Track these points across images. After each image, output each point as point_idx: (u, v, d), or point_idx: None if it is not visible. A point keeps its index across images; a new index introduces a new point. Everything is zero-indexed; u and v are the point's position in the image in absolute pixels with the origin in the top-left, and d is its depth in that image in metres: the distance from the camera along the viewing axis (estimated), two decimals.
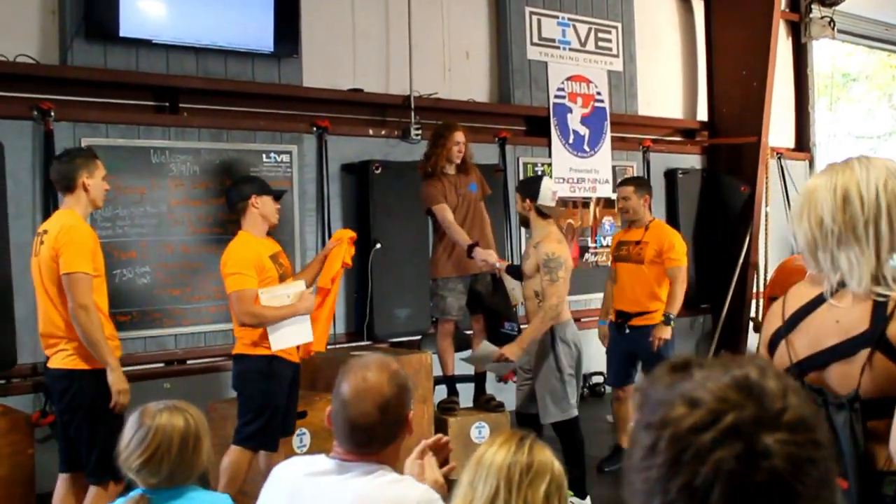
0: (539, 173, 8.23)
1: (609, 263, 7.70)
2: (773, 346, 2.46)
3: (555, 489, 2.18)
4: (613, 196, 9.92)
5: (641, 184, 7.27)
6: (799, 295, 2.47)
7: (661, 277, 6.90)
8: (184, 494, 2.86)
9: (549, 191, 6.08)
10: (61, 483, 4.98)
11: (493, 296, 7.04)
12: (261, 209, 5.53)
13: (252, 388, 5.44)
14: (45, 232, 4.84)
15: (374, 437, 2.56)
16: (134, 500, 2.78)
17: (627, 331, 6.99)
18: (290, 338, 5.54)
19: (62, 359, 4.79)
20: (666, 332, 6.80)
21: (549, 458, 2.22)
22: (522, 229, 9.10)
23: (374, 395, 2.55)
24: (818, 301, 2.38)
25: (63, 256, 4.67)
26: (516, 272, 6.53)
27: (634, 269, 6.98)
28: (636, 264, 6.95)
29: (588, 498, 6.15)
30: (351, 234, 6.07)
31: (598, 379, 9.56)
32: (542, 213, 6.07)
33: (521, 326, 6.74)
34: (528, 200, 6.07)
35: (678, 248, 6.91)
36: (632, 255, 6.99)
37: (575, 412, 6.10)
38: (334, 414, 2.61)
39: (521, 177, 9.23)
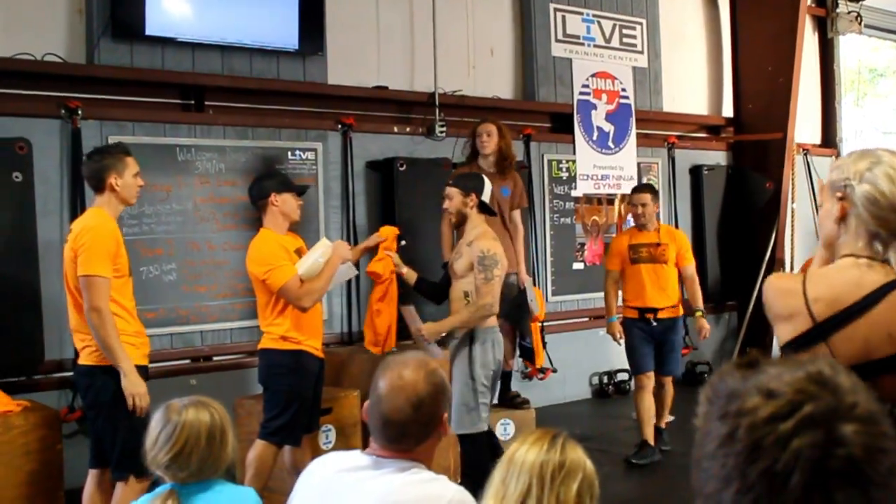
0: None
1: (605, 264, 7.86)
2: (805, 341, 2.36)
3: (587, 488, 2.17)
4: None
5: (655, 192, 7.69)
6: (839, 281, 2.38)
7: (676, 275, 7.46)
8: (211, 487, 2.89)
9: (489, 188, 5.90)
10: (91, 478, 5.00)
11: (511, 303, 7.05)
12: (280, 206, 5.51)
13: (280, 383, 5.44)
14: (71, 230, 4.88)
15: (406, 434, 2.57)
16: (163, 496, 2.80)
17: (655, 324, 7.28)
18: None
19: (87, 355, 4.81)
20: (707, 323, 7.47)
21: (581, 456, 2.22)
22: (549, 233, 9.13)
23: (409, 393, 2.56)
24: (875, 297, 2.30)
25: (80, 258, 4.67)
26: (428, 287, 6.25)
27: (659, 268, 7.35)
28: (661, 264, 7.34)
29: None
30: (395, 231, 6.15)
31: (624, 376, 9.54)
32: (486, 210, 5.88)
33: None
34: (473, 195, 5.74)
35: (689, 249, 7.59)
36: (655, 256, 7.35)
37: (484, 427, 5.63)
38: (370, 408, 2.62)
39: (547, 174, 9.22)
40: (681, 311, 7.42)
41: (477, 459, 5.41)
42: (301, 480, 2.74)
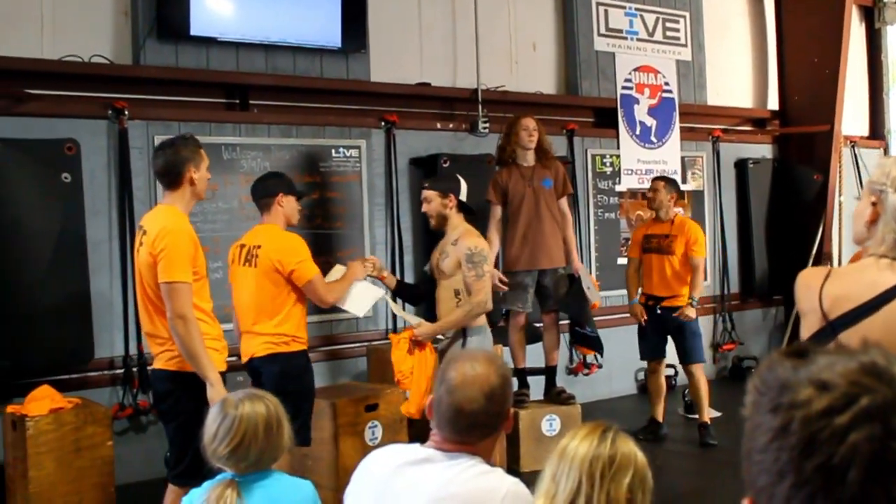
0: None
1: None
2: (818, 339, 2.36)
3: (638, 482, 2.15)
4: (683, 187, 9.84)
5: (672, 183, 7.89)
6: (853, 279, 2.37)
7: (686, 266, 7.57)
8: (269, 476, 2.94)
9: (465, 187, 5.86)
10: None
11: (566, 296, 7.05)
12: (285, 208, 5.43)
13: (297, 384, 5.19)
14: (145, 232, 4.57)
15: (476, 424, 2.59)
16: (223, 485, 2.84)
17: (659, 311, 7.58)
18: (365, 299, 5.64)
19: (166, 360, 4.59)
20: (692, 312, 7.51)
21: (632, 450, 2.20)
22: (594, 228, 9.10)
23: (482, 383, 2.59)
24: (889, 296, 2.28)
25: (161, 263, 4.42)
26: (407, 291, 6.35)
27: (665, 259, 7.60)
28: (667, 255, 7.57)
29: None
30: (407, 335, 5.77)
31: (669, 372, 9.47)
32: (465, 209, 5.82)
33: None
34: (451, 196, 5.72)
35: (701, 242, 7.61)
36: (662, 246, 7.62)
37: None
38: (437, 401, 2.64)
39: (591, 169, 9.19)
40: (685, 301, 7.53)
41: None
42: (358, 473, 2.76)
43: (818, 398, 1.05)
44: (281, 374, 5.21)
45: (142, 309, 4.69)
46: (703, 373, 7.56)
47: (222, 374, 4.65)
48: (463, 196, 5.78)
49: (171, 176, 4.63)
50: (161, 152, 4.71)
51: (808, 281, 2.45)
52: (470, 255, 5.56)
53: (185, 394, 4.53)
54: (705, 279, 7.82)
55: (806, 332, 2.38)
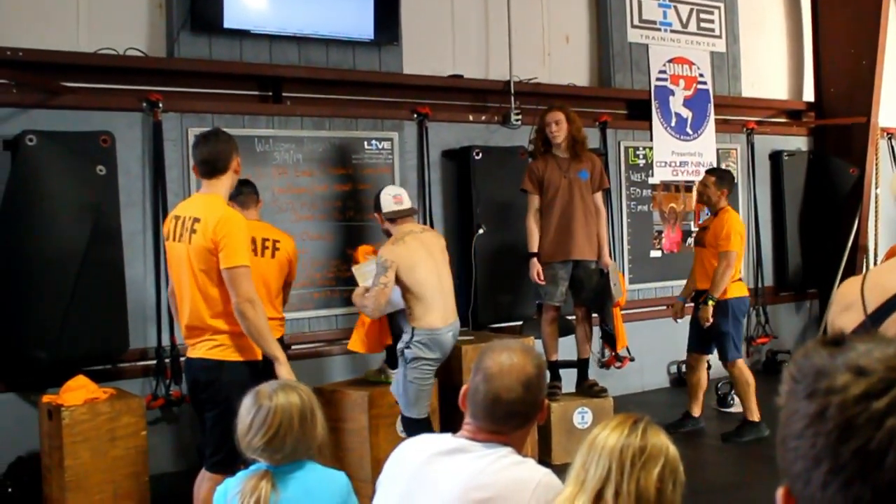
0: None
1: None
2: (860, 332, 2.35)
3: (669, 473, 2.15)
4: None
5: (724, 178, 7.73)
6: (887, 277, 2.36)
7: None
8: (303, 467, 2.95)
9: (389, 197, 6.00)
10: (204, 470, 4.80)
11: (593, 290, 7.04)
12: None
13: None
14: (197, 220, 4.52)
15: (513, 414, 2.61)
16: (258, 476, 2.86)
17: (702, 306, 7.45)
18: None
19: (209, 349, 4.57)
20: (706, 312, 7.34)
21: (663, 441, 2.19)
22: (626, 221, 9.08)
23: (519, 373, 2.61)
24: None
25: (224, 250, 4.42)
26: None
27: (702, 252, 7.63)
28: (703, 248, 7.59)
29: None
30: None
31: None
32: (393, 217, 5.95)
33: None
34: (377, 215, 6.05)
35: (729, 235, 7.34)
36: (700, 239, 7.69)
37: (424, 414, 5.82)
38: (473, 390, 2.65)
39: (624, 161, 9.15)
40: (730, 293, 7.37)
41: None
42: (390, 462, 2.77)
43: (855, 383, 1.05)
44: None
45: (185, 298, 4.62)
46: (740, 369, 7.37)
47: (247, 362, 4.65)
48: (386, 208, 5.95)
49: (219, 163, 4.65)
50: (207, 141, 4.73)
51: (845, 289, 2.43)
52: (379, 261, 5.76)
53: (228, 382, 4.51)
54: (740, 274, 7.57)
55: (847, 327, 2.36)
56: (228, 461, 4.36)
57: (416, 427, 5.63)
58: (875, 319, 2.30)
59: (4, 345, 6.02)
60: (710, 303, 7.29)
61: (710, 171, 7.90)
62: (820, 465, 1.05)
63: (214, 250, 4.44)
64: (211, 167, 4.66)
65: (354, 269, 6.25)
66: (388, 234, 5.97)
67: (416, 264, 5.74)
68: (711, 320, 7.31)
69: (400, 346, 5.81)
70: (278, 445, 2.87)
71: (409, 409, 5.78)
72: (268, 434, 2.86)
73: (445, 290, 5.92)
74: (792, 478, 1.10)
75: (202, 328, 4.58)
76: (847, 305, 2.38)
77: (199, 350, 4.62)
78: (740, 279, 7.61)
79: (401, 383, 5.77)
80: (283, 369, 4.54)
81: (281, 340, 5.69)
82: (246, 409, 2.93)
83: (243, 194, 5.98)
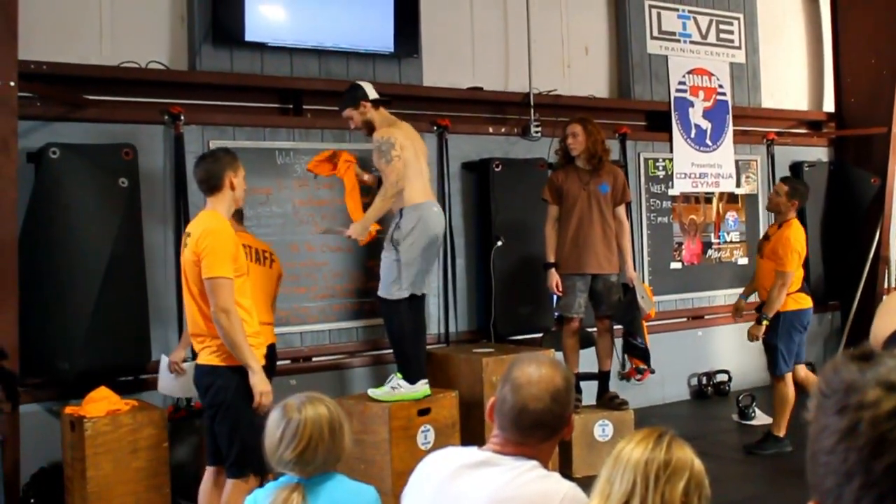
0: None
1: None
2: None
3: (694, 487, 2.14)
4: (737, 191, 9.77)
5: (797, 189, 7.52)
6: None
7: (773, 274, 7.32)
8: (333, 478, 2.96)
9: (369, 85, 6.42)
10: (208, 476, 5.04)
11: (618, 304, 7.03)
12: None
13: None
14: (189, 234, 4.86)
15: (540, 424, 2.60)
16: (290, 488, 2.86)
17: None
18: None
19: (207, 355, 4.84)
20: (757, 331, 7.27)
21: (688, 455, 2.19)
22: (646, 232, 9.05)
23: (547, 384, 2.62)
24: None
25: (204, 261, 4.69)
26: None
27: (761, 262, 7.53)
28: (762, 259, 7.47)
29: (420, 383, 6.27)
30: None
31: (723, 377, 9.41)
32: (379, 102, 6.34)
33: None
34: (363, 103, 6.28)
35: (789, 255, 7.21)
36: (761, 249, 7.54)
37: (402, 295, 6.19)
38: (500, 401, 2.65)
39: (644, 173, 9.13)
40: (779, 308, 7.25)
41: (393, 323, 6.29)
42: (416, 475, 2.77)
43: (887, 398, 1.05)
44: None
45: (187, 310, 4.98)
46: (786, 384, 7.22)
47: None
48: (371, 93, 6.31)
49: (212, 181, 4.93)
50: (201, 162, 5.07)
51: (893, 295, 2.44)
52: (378, 145, 6.16)
53: (226, 385, 4.80)
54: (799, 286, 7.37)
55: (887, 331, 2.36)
56: (242, 462, 4.72)
57: (394, 308, 6.17)
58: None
59: (28, 356, 6.04)
60: (764, 322, 7.21)
61: (784, 180, 7.77)
62: (852, 481, 1.05)
63: (198, 261, 4.73)
64: (206, 186, 4.96)
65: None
66: (369, 127, 6.33)
67: (407, 146, 6.21)
68: (759, 338, 7.27)
69: (390, 231, 6.23)
70: (310, 458, 2.88)
71: (390, 288, 6.19)
72: (299, 447, 2.86)
73: (425, 173, 6.40)
74: (822, 493, 1.10)
75: (202, 335, 4.87)
76: (889, 310, 2.40)
77: (201, 357, 4.91)
78: (801, 290, 7.40)
79: (392, 267, 6.17)
80: (256, 378, 4.75)
81: (273, 347, 6.05)
82: (274, 422, 2.93)
83: None
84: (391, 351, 6.60)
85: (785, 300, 7.22)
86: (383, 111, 6.37)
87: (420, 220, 6.16)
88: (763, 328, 7.21)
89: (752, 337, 7.30)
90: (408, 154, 6.18)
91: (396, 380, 6.24)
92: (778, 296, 7.19)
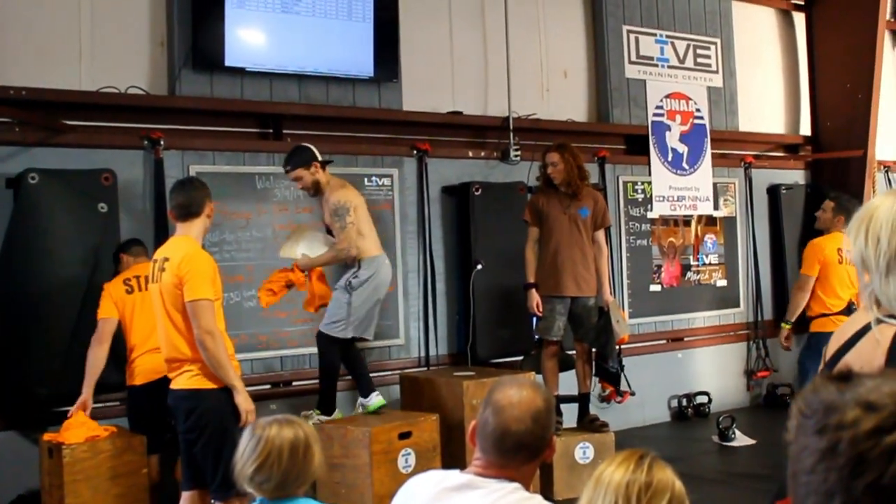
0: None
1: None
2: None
3: None
4: (715, 213, 9.83)
5: (843, 205, 7.45)
6: (853, 322, 2.41)
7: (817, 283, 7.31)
8: (298, 503, 2.97)
9: (314, 147, 6.52)
10: (185, 500, 5.01)
11: (593, 328, 7.05)
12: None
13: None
14: (167, 259, 4.88)
15: (522, 447, 2.61)
16: None
17: None
18: None
19: (187, 379, 4.84)
20: (781, 336, 7.55)
21: (669, 476, 2.19)
22: (626, 255, 9.08)
23: (528, 405, 2.62)
24: (863, 332, 2.30)
25: (187, 284, 4.74)
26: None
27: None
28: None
29: (336, 412, 6.57)
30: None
31: (703, 399, 9.43)
32: (326, 163, 6.52)
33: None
34: (314, 164, 6.39)
35: (807, 258, 7.41)
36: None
37: (346, 335, 6.43)
38: (482, 424, 2.65)
39: (623, 196, 9.18)
40: (816, 327, 7.29)
41: (325, 358, 6.55)
42: (399, 497, 2.76)
43: (866, 418, 1.07)
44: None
45: (161, 335, 4.99)
46: None
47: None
48: (320, 156, 6.47)
49: (192, 207, 5.02)
50: (183, 187, 5.16)
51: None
52: (335, 209, 6.35)
53: (209, 408, 4.84)
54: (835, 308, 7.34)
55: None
56: (229, 484, 4.48)
57: (332, 344, 6.44)
58: (829, 365, 2.37)
59: (5, 381, 6.02)
60: (784, 326, 7.41)
61: (832, 197, 7.76)
62: (832, 500, 1.06)
63: (179, 285, 4.76)
64: (185, 211, 5.02)
65: (285, 252, 6.60)
66: (316, 187, 6.45)
67: (360, 206, 6.47)
68: (786, 344, 7.44)
69: (346, 277, 6.47)
70: (266, 475, 2.91)
71: (334, 326, 6.41)
72: (256, 462, 2.91)
73: (374, 226, 6.67)
74: None
75: (181, 360, 4.88)
76: (832, 340, 2.49)
77: (179, 381, 4.91)
78: (842, 312, 7.16)
79: (343, 308, 6.39)
80: (241, 397, 4.82)
81: None
82: (245, 438, 3.00)
83: (131, 252, 6.27)
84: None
85: (824, 321, 7.16)
86: (328, 172, 6.53)
87: (376, 272, 6.48)
88: (784, 333, 7.42)
89: (781, 343, 7.52)
90: (360, 214, 6.45)
91: (316, 416, 6.44)
92: (793, 299, 7.45)
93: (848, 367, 1.27)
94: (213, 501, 4.92)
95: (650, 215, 9.41)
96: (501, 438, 2.60)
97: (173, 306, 4.83)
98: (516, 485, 2.59)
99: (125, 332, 6.03)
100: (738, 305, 10.10)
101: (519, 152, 8.32)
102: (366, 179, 7.65)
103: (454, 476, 2.68)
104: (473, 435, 2.69)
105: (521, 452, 2.62)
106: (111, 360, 6.32)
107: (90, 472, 5.47)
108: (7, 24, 6.32)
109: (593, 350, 7.25)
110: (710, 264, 9.87)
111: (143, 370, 5.92)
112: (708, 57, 9.97)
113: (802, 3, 11.02)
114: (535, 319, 7.21)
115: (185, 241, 4.95)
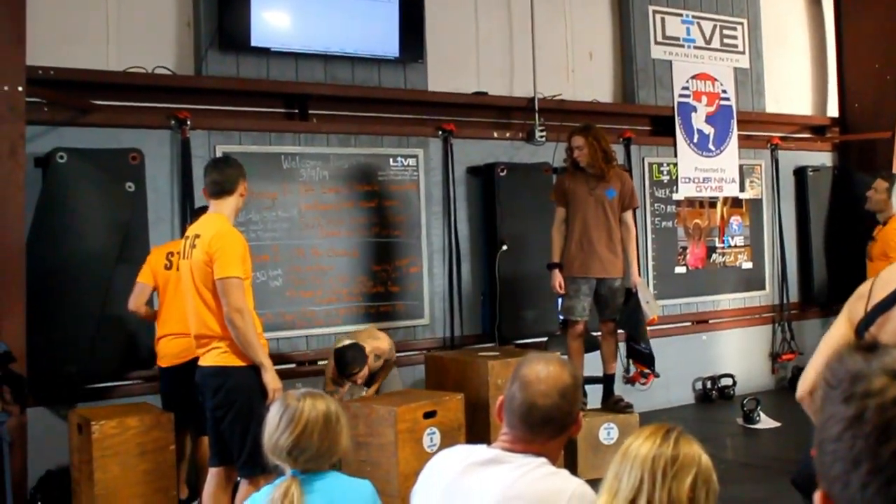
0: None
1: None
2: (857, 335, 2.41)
3: (701, 482, 2.15)
4: (741, 195, 9.79)
5: (890, 178, 7.29)
6: (888, 280, 2.42)
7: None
8: (327, 476, 2.96)
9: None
10: (212, 477, 5.06)
11: (622, 309, 7.05)
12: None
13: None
14: (198, 236, 4.88)
15: (549, 421, 2.62)
16: (286, 483, 2.87)
17: None
18: None
19: (216, 356, 4.85)
20: None
21: (696, 450, 2.20)
22: (651, 237, 9.06)
23: (556, 380, 2.64)
24: None
25: (217, 262, 4.74)
26: None
27: (870, 266, 7.15)
28: (871, 262, 7.15)
29: None
30: None
31: (728, 381, 9.41)
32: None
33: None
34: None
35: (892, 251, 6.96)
36: (869, 252, 7.23)
37: None
38: (509, 399, 2.67)
39: (648, 177, 9.15)
40: None
41: None
42: (425, 473, 2.78)
43: (892, 386, 1.08)
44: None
45: (191, 312, 4.99)
46: None
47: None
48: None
49: (227, 184, 5.02)
50: (218, 164, 5.24)
51: (867, 282, 2.52)
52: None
53: (237, 384, 4.85)
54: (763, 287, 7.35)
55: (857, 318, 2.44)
56: (256, 461, 4.53)
57: None
58: (875, 313, 2.36)
59: (35, 359, 6.07)
60: None
61: (882, 176, 7.58)
62: (859, 467, 1.07)
63: (210, 262, 4.77)
64: (219, 188, 5.02)
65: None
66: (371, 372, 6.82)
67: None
68: None
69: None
70: (305, 445, 2.89)
71: None
72: (294, 432, 2.88)
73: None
74: (830, 481, 1.12)
75: (209, 336, 4.88)
76: (861, 295, 2.51)
77: (207, 358, 4.93)
78: None
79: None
80: (268, 376, 4.83)
81: None
82: (274, 410, 2.97)
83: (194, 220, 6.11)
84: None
85: None
86: None
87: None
88: None
89: None
90: None
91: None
92: None
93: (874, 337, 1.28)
94: (239, 479, 4.96)
95: (675, 197, 9.37)
96: (528, 413, 2.62)
97: (203, 283, 4.83)
98: (543, 459, 2.61)
99: (159, 304, 6.05)
100: (763, 288, 10.05)
101: (544, 133, 8.31)
102: (391, 160, 7.66)
103: (481, 451, 2.69)
104: (501, 410, 2.70)
105: (548, 427, 2.64)
106: (142, 337, 6.41)
107: (119, 448, 5.53)
108: (36, 4, 6.34)
109: (622, 332, 7.25)
110: (735, 246, 9.83)
111: (166, 353, 5.94)
112: (735, 37, 9.90)
113: None
114: (559, 300, 7.21)
115: (217, 218, 4.96)
